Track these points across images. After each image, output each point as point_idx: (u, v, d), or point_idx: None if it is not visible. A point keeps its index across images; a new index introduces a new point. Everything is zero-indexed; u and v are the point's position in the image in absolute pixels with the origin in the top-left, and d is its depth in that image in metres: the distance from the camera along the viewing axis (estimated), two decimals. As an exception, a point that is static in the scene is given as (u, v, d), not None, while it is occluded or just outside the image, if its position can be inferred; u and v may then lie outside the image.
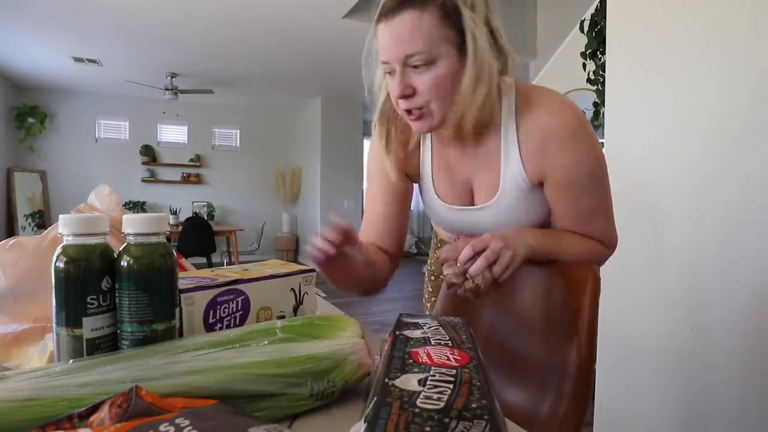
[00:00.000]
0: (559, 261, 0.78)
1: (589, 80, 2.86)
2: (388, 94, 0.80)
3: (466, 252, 0.67)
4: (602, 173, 0.79)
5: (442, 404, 0.30)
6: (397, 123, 0.86)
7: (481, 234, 0.77)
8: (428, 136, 0.88)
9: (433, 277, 1.09)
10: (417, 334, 0.45)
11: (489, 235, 0.69)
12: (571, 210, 0.79)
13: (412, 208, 1.00)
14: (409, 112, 0.74)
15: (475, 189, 0.85)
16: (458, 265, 0.68)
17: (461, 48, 0.70)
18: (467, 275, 0.68)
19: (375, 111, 0.85)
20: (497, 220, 0.83)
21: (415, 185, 0.95)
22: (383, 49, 0.72)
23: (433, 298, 1.07)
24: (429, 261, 1.13)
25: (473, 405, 0.30)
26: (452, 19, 0.69)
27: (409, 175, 0.91)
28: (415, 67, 0.70)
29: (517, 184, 0.79)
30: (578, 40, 2.96)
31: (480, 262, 0.66)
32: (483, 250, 0.67)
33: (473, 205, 0.86)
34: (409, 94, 0.72)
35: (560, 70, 3.51)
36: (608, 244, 0.82)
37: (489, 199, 0.82)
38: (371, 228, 0.93)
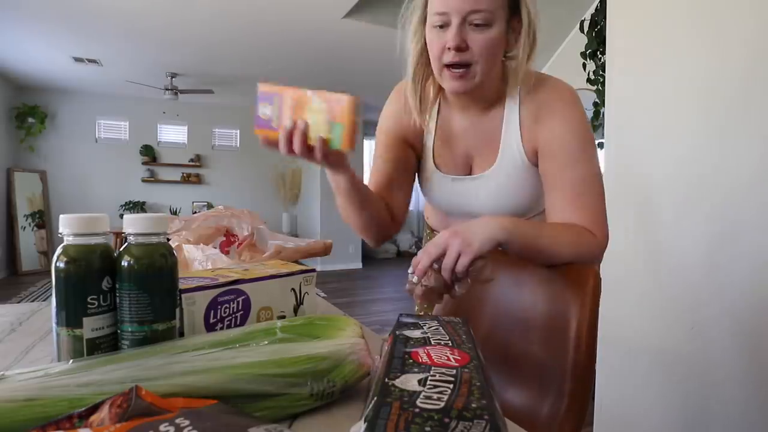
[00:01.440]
0: (552, 258, 0.75)
1: (589, 80, 2.86)
2: (422, 52, 0.81)
3: (418, 255, 0.67)
4: (592, 148, 0.80)
5: (442, 404, 0.30)
6: (426, 85, 0.87)
7: (474, 211, 0.81)
8: (435, 107, 0.90)
9: None
10: (417, 334, 0.45)
11: (443, 232, 0.68)
12: (560, 180, 0.78)
13: (411, 208, 1.00)
14: (453, 66, 0.75)
15: (475, 161, 0.88)
16: (411, 269, 0.67)
17: (509, 20, 0.75)
18: (413, 278, 0.66)
19: (408, 66, 0.85)
20: (490, 192, 0.86)
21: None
22: (445, 1, 0.73)
23: None
24: None
25: (473, 405, 0.30)
26: None
27: (414, 146, 0.93)
28: (473, 25, 0.73)
29: (514, 158, 0.83)
30: (578, 40, 2.96)
31: (422, 259, 0.65)
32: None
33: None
34: (464, 47, 0.74)
35: (560, 70, 3.51)
36: (597, 230, 0.77)
37: (486, 170, 0.85)
38: (376, 184, 0.93)
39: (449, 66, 0.76)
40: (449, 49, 0.74)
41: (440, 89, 0.88)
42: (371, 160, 0.99)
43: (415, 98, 0.85)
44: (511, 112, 0.83)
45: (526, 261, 0.78)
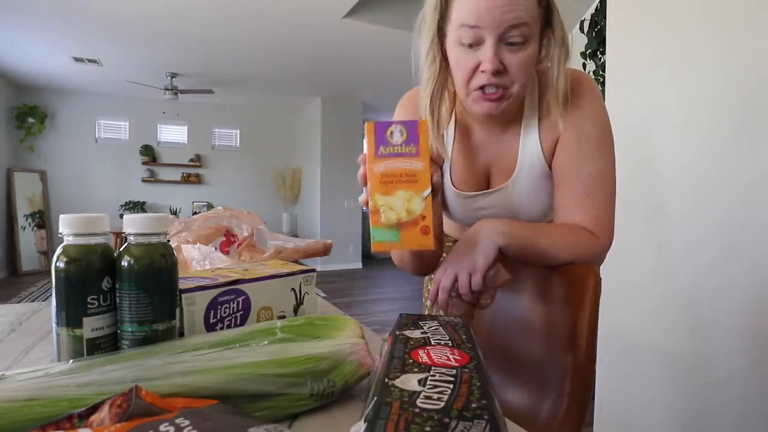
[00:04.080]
0: (550, 259, 0.74)
1: (589, 80, 2.86)
2: (440, 71, 0.73)
3: (432, 290, 0.70)
4: (609, 141, 0.75)
5: (442, 404, 0.30)
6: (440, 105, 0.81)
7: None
8: (452, 123, 0.84)
9: (432, 275, 1.10)
10: (417, 334, 0.45)
11: (440, 268, 0.70)
12: (570, 177, 0.74)
13: None
14: (486, 91, 0.68)
15: (493, 174, 0.84)
16: (429, 302, 0.72)
17: (541, 32, 0.69)
18: (440, 312, 0.70)
19: (424, 85, 0.76)
20: (509, 204, 0.82)
21: None
22: (474, 12, 0.64)
23: (429, 286, 1.09)
24: None
25: (473, 405, 0.30)
26: (543, 2, 0.67)
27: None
28: (509, 43, 0.65)
29: (533, 165, 0.78)
30: (578, 40, 2.96)
31: (440, 295, 0.68)
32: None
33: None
34: (502, 70, 0.66)
35: (560, 70, 3.51)
36: (601, 231, 0.74)
37: (505, 182, 0.81)
38: None
39: (482, 87, 0.68)
40: (483, 72, 0.66)
41: (454, 104, 0.82)
42: None
43: (433, 124, 0.77)
44: (529, 117, 0.78)
45: (525, 263, 0.77)
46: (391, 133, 0.61)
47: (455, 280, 0.67)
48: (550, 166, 0.79)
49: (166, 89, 5.31)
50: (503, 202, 0.83)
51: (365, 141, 0.63)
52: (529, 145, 0.78)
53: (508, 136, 0.80)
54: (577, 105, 0.74)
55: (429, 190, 0.60)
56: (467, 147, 0.84)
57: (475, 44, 0.66)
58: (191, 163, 6.97)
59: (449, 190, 0.86)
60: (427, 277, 1.12)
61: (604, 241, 0.74)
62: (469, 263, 0.66)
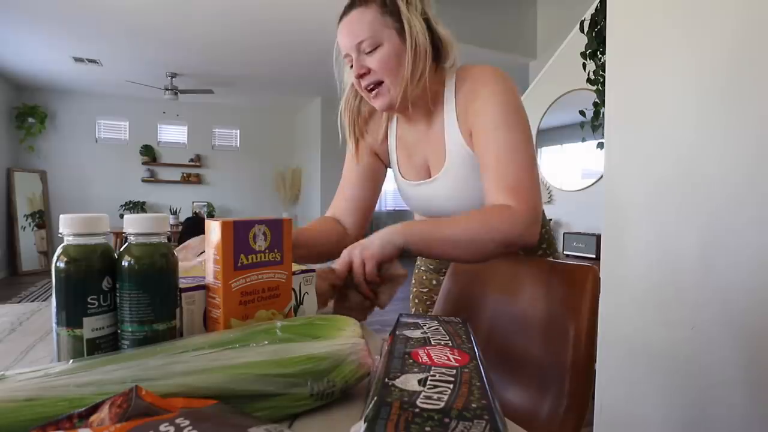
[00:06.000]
0: (466, 245, 0.73)
1: (589, 80, 2.86)
2: (352, 85, 0.93)
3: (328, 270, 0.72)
4: (519, 116, 0.81)
5: (442, 404, 0.30)
6: (364, 110, 1.00)
7: (440, 212, 0.90)
8: (394, 123, 0.99)
9: (416, 270, 1.17)
10: (417, 334, 0.45)
11: (344, 251, 0.73)
12: (485, 154, 0.80)
13: (408, 208, 1.06)
14: (369, 90, 0.86)
15: (430, 165, 0.94)
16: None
17: (401, 33, 0.83)
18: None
19: (341, 101, 0.99)
20: (448, 191, 0.91)
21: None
22: (341, 45, 0.87)
23: (414, 289, 1.16)
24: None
25: (473, 405, 0.30)
26: (391, 10, 0.82)
27: (382, 159, 1.04)
28: (367, 52, 0.83)
29: (459, 152, 0.88)
30: (578, 40, 2.96)
31: (339, 273, 0.71)
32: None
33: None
34: (364, 72, 0.85)
35: (560, 70, 3.51)
36: (517, 200, 0.74)
37: (439, 172, 0.91)
38: (337, 203, 1.05)
39: (366, 90, 0.86)
40: (357, 78, 0.86)
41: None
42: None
43: (348, 127, 0.99)
44: (449, 111, 0.88)
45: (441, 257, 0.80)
46: (254, 236, 0.51)
47: (349, 266, 0.71)
48: (471, 148, 0.86)
49: (166, 89, 5.31)
50: (444, 191, 0.91)
51: (215, 245, 0.50)
52: (451, 136, 0.88)
53: (435, 129, 0.91)
54: (475, 92, 0.85)
55: (292, 303, 0.55)
56: (406, 144, 0.98)
57: (352, 64, 0.86)
58: (191, 163, 6.97)
59: (400, 180, 1.00)
60: (412, 278, 1.14)
61: (521, 208, 0.73)
62: (363, 250, 0.71)
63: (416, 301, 1.15)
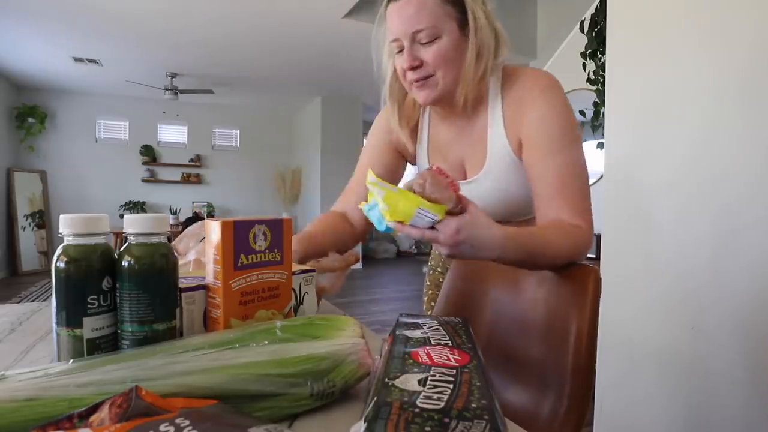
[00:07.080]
0: (547, 263, 0.73)
1: (589, 80, 2.86)
2: (395, 73, 0.85)
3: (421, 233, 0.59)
4: (574, 134, 0.79)
5: (442, 404, 0.30)
6: (405, 102, 0.92)
7: None
8: (426, 118, 0.93)
9: (431, 271, 1.12)
10: (417, 334, 0.45)
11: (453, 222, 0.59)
12: (543, 170, 0.76)
13: None
14: (415, 82, 0.80)
15: (467, 166, 0.90)
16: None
17: (462, 25, 0.77)
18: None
19: (384, 89, 0.90)
20: (483, 194, 0.86)
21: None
22: (393, 29, 0.78)
23: (430, 291, 1.10)
24: (429, 258, 1.14)
25: (473, 405, 0.30)
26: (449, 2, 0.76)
27: (406, 156, 0.98)
28: (423, 42, 0.77)
29: (503, 156, 0.83)
30: (578, 40, 2.96)
31: (425, 235, 0.58)
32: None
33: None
34: (417, 65, 0.78)
35: (560, 70, 3.51)
36: (582, 220, 0.75)
37: (477, 174, 0.87)
38: (347, 198, 0.98)
39: (413, 82, 0.81)
40: (404, 68, 0.80)
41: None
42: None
43: (393, 116, 0.90)
44: (494, 112, 0.84)
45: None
46: (254, 236, 0.51)
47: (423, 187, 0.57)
48: (518, 157, 0.82)
49: (166, 89, 5.31)
50: (478, 194, 0.86)
51: (215, 245, 0.49)
52: (496, 138, 0.84)
53: (476, 128, 0.86)
54: (536, 99, 0.79)
55: (292, 303, 0.55)
56: (439, 142, 0.92)
57: (402, 50, 0.79)
58: (191, 163, 6.97)
59: None
60: (427, 271, 1.13)
61: (586, 228, 0.75)
62: (466, 247, 0.59)
63: (432, 304, 1.10)
